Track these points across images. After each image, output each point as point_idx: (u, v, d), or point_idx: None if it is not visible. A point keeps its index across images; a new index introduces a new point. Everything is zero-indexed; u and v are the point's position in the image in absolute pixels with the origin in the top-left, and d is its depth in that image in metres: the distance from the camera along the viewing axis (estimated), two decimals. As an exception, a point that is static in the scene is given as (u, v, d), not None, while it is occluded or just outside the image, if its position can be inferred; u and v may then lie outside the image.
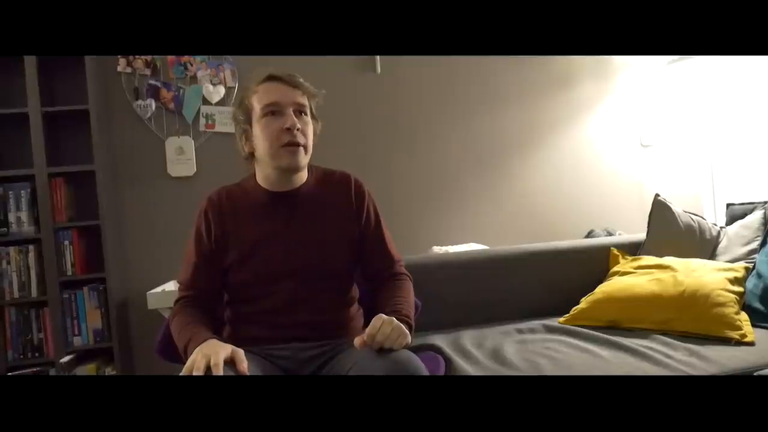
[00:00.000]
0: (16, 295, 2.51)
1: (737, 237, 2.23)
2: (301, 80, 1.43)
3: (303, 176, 1.47)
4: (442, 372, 1.56)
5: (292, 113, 1.38)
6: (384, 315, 1.25)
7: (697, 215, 2.38)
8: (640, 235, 2.38)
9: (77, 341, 2.58)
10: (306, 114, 1.42)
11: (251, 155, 1.45)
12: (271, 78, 1.41)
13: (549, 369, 1.59)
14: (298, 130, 1.37)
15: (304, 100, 1.41)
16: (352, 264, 1.49)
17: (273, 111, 1.38)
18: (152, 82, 2.78)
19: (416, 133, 3.08)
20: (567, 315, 2.03)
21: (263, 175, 1.45)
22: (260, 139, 1.39)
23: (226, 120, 2.81)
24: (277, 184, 1.44)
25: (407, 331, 1.26)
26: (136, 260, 2.79)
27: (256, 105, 1.39)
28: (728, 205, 2.47)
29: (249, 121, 1.42)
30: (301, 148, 1.39)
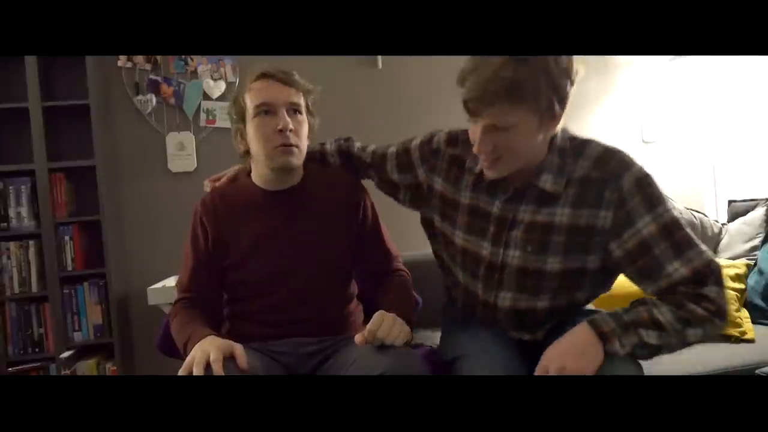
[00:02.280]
0: (17, 290, 2.51)
1: (739, 234, 2.23)
2: (296, 77, 1.39)
3: (299, 174, 1.45)
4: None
5: (284, 114, 1.34)
6: (385, 311, 1.25)
7: (698, 212, 2.37)
8: (642, 231, 2.37)
9: (78, 336, 2.58)
10: (300, 112, 1.38)
11: (247, 153, 1.43)
12: (263, 76, 1.36)
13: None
14: (291, 131, 1.33)
15: (299, 99, 1.38)
16: (349, 261, 1.48)
17: (266, 111, 1.34)
18: (153, 77, 2.77)
19: (417, 130, 3.04)
20: (567, 312, 2.03)
21: (259, 173, 1.43)
22: (254, 139, 1.37)
23: (227, 115, 2.80)
24: (273, 183, 1.42)
25: (408, 328, 1.26)
26: (136, 256, 2.79)
27: (249, 104, 1.36)
28: (730, 201, 2.46)
29: (243, 119, 1.39)
30: (295, 149, 1.35)
